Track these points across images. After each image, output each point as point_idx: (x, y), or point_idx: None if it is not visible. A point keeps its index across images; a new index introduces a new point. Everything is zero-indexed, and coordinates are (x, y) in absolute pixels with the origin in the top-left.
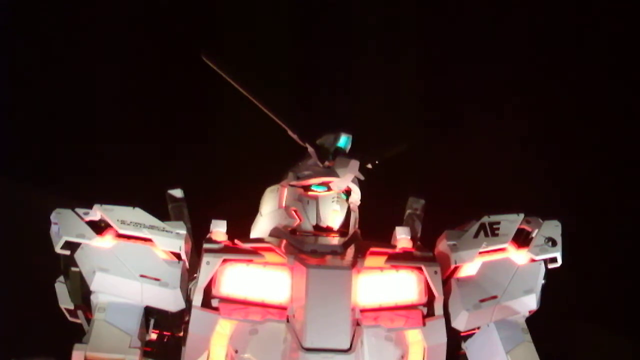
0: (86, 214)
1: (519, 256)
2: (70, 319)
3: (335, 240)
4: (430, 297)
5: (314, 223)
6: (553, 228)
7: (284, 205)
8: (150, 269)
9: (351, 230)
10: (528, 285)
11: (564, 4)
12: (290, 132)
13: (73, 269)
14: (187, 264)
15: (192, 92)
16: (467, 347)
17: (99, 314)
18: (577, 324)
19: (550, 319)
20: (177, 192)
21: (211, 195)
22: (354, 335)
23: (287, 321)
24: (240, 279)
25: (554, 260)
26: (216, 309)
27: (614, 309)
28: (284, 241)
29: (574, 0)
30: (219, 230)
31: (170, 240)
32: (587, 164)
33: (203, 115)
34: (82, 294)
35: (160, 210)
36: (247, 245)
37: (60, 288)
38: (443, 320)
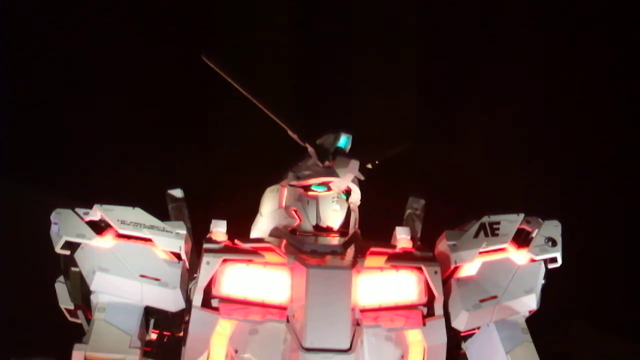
0: (86, 214)
1: (519, 256)
2: (70, 319)
3: (335, 240)
4: (430, 297)
5: (314, 223)
6: (553, 228)
7: (284, 205)
8: (150, 269)
9: (351, 230)
10: (528, 285)
11: (564, 4)
12: (290, 132)
13: (73, 269)
14: (187, 264)
15: (192, 92)
16: (467, 347)
17: (99, 314)
18: (576, 324)
19: (550, 319)
20: (177, 192)
21: (211, 195)
22: (354, 335)
23: (287, 321)
24: (240, 279)
25: (554, 260)
26: (216, 309)
27: (614, 309)
28: (284, 241)
29: (575, 1)
30: (219, 230)
31: (170, 240)
32: (587, 164)
33: (203, 115)
34: (82, 294)
35: (160, 210)
36: (247, 245)
37: (60, 288)
38: (443, 320)
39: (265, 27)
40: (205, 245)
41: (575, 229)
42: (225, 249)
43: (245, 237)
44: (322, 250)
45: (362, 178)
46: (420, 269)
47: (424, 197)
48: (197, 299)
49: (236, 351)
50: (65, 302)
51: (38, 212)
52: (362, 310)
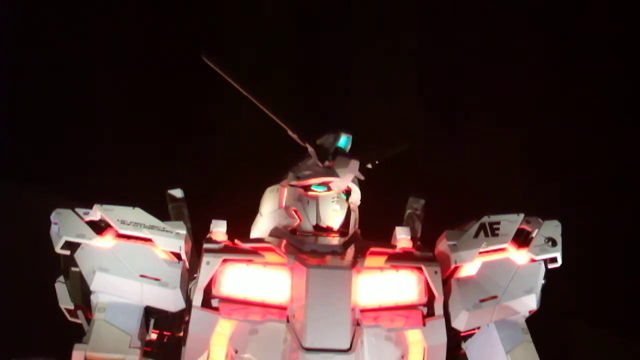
0: (86, 214)
1: (519, 256)
2: (70, 319)
3: (335, 240)
4: (430, 297)
5: (314, 223)
6: (553, 228)
7: (284, 205)
8: (150, 269)
9: (351, 230)
10: (528, 285)
11: (565, 5)
12: (290, 132)
13: (73, 268)
14: (187, 264)
15: (192, 92)
16: (467, 347)
17: (99, 314)
18: (576, 324)
19: (550, 319)
20: (177, 192)
21: (211, 195)
22: (354, 335)
23: (287, 321)
24: (240, 279)
25: (554, 260)
26: (216, 309)
27: (614, 309)
28: (284, 241)
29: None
30: (219, 230)
31: (170, 240)
32: (587, 164)
33: (203, 115)
34: (82, 294)
35: (160, 210)
36: (247, 245)
37: (60, 288)
38: (443, 320)
39: (266, 27)
40: (205, 245)
41: (575, 229)
42: (225, 249)
43: (245, 237)
44: (322, 250)
45: (362, 178)
46: (420, 269)
47: (424, 197)
48: (197, 299)
49: (236, 351)
50: (65, 302)
51: (38, 212)
52: (362, 310)
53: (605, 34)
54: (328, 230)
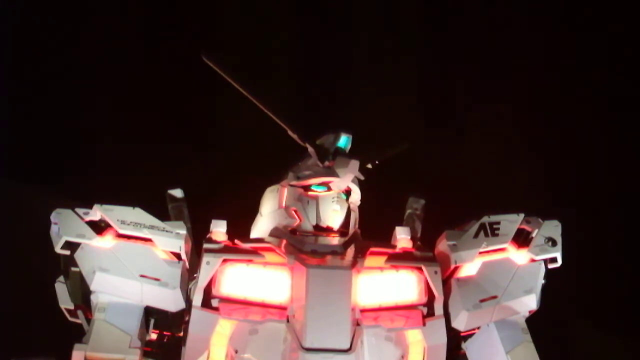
0: (86, 214)
1: (519, 256)
2: (70, 319)
3: (335, 240)
4: (430, 297)
5: (314, 223)
6: (553, 228)
7: (284, 205)
8: (150, 269)
9: (351, 230)
10: (528, 285)
11: (567, 5)
12: (290, 132)
13: (73, 268)
14: (187, 264)
15: (192, 93)
16: (467, 347)
17: (99, 314)
18: (576, 324)
19: (550, 319)
20: (177, 192)
21: (211, 195)
22: (354, 335)
23: (287, 321)
24: (240, 279)
25: (554, 260)
26: (216, 309)
27: (614, 310)
28: (284, 241)
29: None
30: (219, 230)
31: (170, 240)
32: (587, 164)
33: (203, 115)
34: (82, 294)
35: (160, 210)
36: (247, 245)
37: (60, 288)
38: (443, 320)
39: (266, 27)
40: (205, 245)
41: (575, 229)
42: (225, 249)
43: (245, 237)
44: (322, 250)
45: (362, 178)
46: (420, 269)
47: (424, 197)
48: (197, 299)
49: (236, 351)
50: (65, 302)
51: (38, 212)
52: (362, 310)
53: (605, 34)
54: (328, 230)
